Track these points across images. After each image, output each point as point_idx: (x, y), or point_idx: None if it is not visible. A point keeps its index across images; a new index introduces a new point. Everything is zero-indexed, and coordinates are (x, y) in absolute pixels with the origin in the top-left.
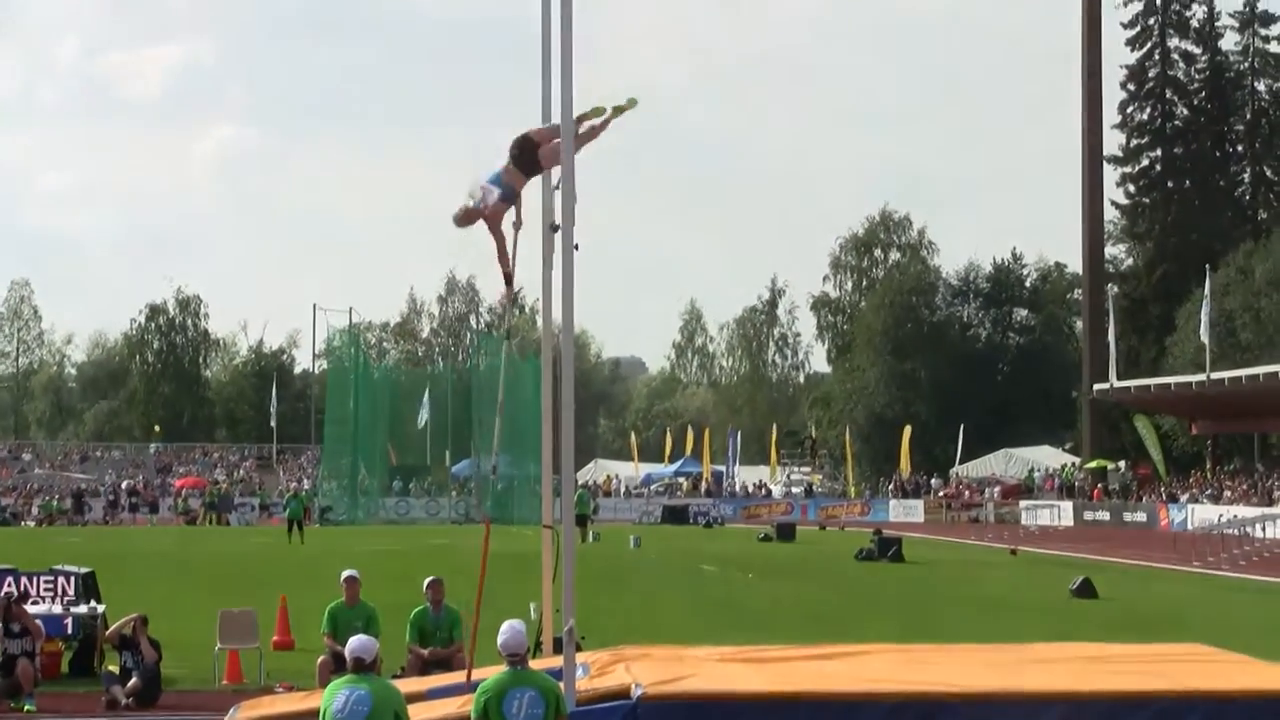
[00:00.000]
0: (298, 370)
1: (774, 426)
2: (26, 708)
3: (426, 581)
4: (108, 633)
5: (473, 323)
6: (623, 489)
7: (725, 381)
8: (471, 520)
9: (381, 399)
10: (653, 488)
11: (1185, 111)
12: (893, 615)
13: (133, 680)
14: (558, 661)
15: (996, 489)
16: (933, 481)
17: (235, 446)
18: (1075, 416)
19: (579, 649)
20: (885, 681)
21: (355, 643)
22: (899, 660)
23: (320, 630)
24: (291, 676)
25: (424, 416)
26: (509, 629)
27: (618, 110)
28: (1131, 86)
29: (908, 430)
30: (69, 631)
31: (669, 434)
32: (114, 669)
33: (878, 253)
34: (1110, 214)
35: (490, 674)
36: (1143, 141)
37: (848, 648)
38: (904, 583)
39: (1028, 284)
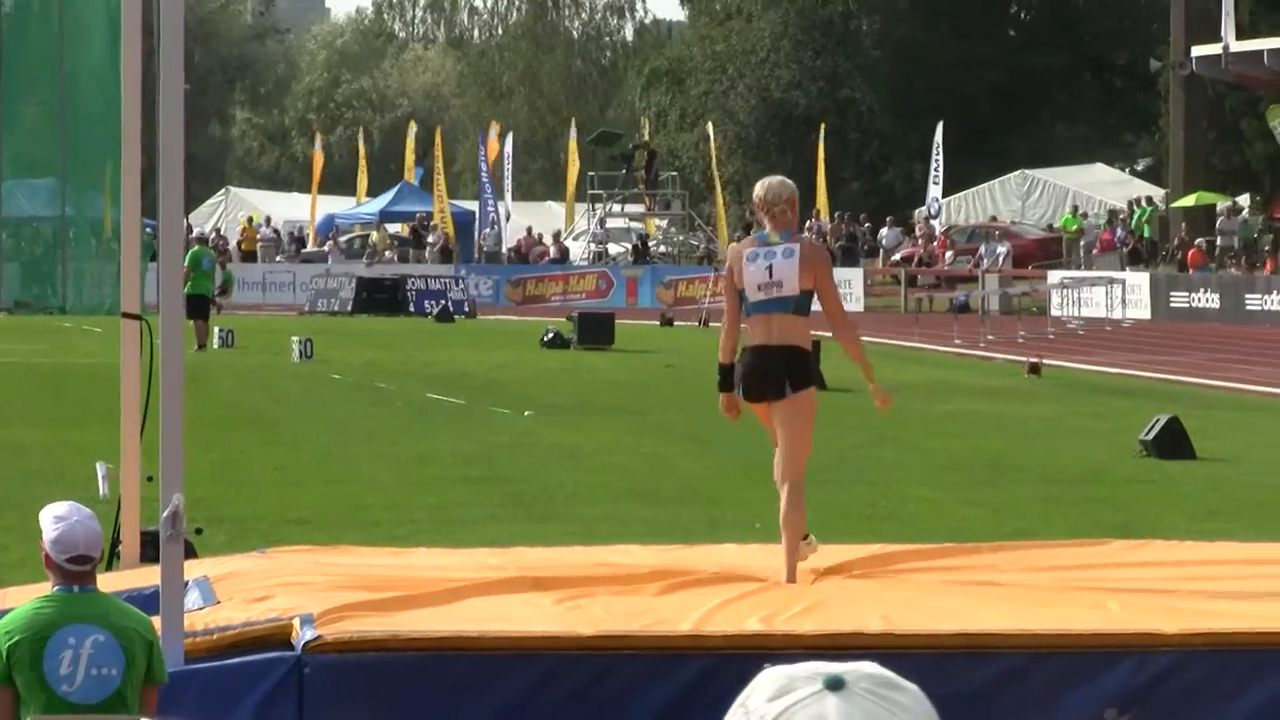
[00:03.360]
0: None
1: (572, 125)
2: None
3: None
4: None
5: None
6: (280, 245)
7: (481, 38)
8: None
9: None
10: (340, 242)
11: None
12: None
13: None
14: (149, 578)
15: (1002, 249)
16: (882, 235)
17: None
18: (1155, 106)
19: (191, 553)
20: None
21: None
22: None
23: None
24: None
25: None
26: (70, 519)
27: None
28: None
29: (823, 133)
30: None
31: (368, 139)
32: None
33: None
34: None
35: (21, 600)
36: None
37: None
38: (828, 428)
39: None
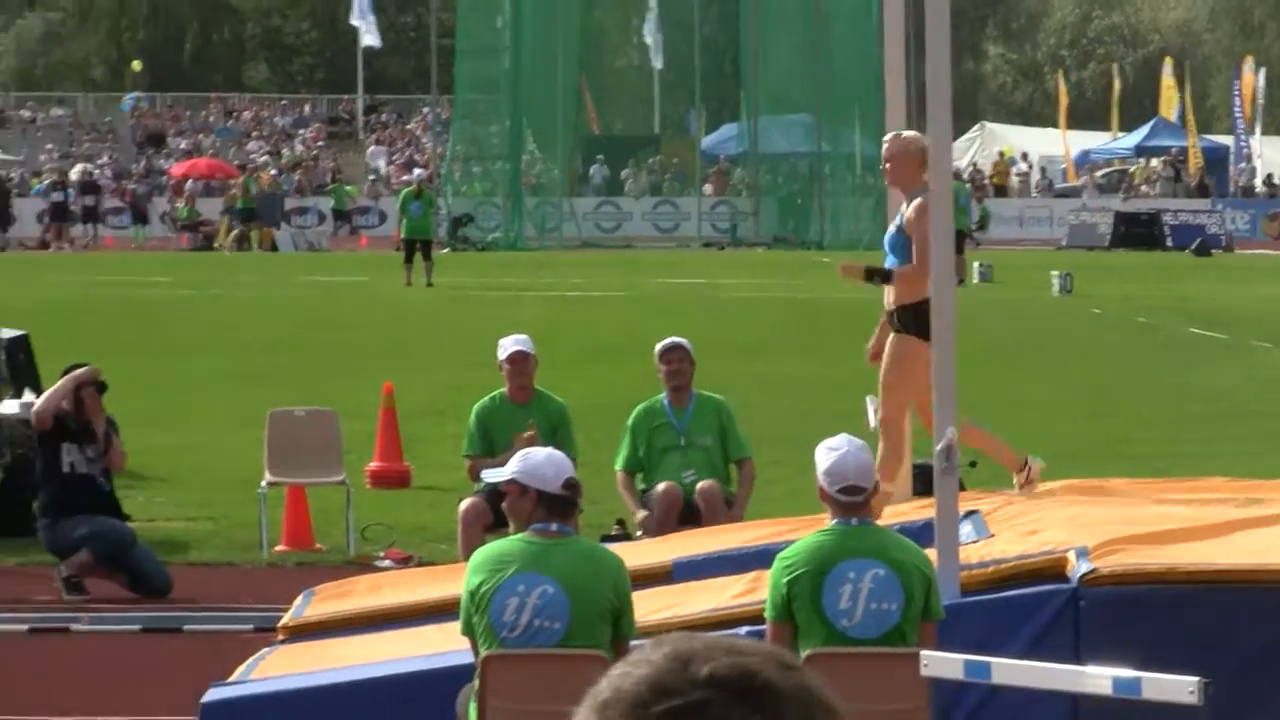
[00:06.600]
0: None
1: None
2: None
3: (660, 348)
4: (37, 411)
5: None
6: (1034, 179)
7: None
8: (744, 242)
9: (566, 12)
10: (1094, 177)
11: None
12: None
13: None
14: (920, 511)
15: None
16: None
17: (285, 99)
18: None
19: (960, 486)
20: None
21: (544, 462)
22: None
23: (461, 449)
24: (407, 537)
25: (651, 43)
26: (841, 449)
27: None
28: None
29: None
30: None
31: (1120, 75)
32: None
33: None
34: None
35: (798, 533)
36: None
37: None
38: None
39: None
